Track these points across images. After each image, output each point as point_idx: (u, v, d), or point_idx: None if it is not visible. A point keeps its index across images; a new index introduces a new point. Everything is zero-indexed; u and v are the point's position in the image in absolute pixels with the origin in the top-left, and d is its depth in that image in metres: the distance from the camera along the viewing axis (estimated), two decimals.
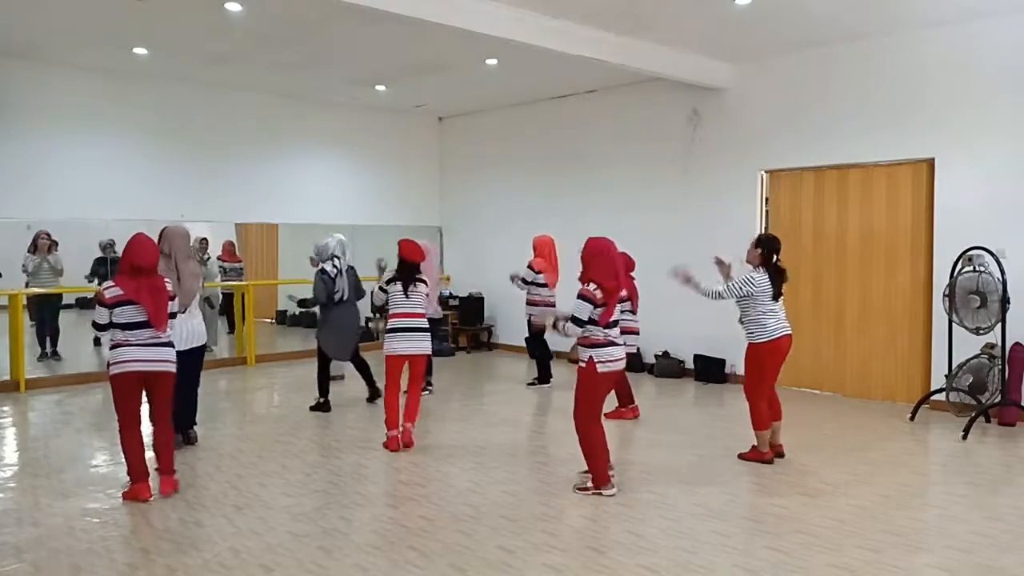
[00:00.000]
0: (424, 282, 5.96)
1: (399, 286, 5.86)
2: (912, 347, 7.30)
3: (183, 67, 8.77)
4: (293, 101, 10.36)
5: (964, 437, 6.05)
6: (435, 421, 6.71)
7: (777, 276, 5.31)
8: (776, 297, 5.30)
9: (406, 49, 7.91)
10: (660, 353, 8.89)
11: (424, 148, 11.86)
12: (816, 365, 7.85)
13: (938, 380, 6.87)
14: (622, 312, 4.94)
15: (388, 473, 5.34)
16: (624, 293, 4.82)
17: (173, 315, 4.90)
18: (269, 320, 13.16)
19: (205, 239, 10.15)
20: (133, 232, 4.82)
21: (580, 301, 4.60)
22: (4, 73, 8.27)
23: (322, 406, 7.10)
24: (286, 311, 13.21)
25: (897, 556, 3.85)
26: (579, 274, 4.75)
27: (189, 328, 5.56)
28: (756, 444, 5.44)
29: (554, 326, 4.75)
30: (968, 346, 6.50)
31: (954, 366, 6.52)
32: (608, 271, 4.62)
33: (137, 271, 4.62)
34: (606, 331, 4.65)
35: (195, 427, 6.01)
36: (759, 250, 5.37)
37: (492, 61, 8.37)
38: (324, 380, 7.17)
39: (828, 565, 3.74)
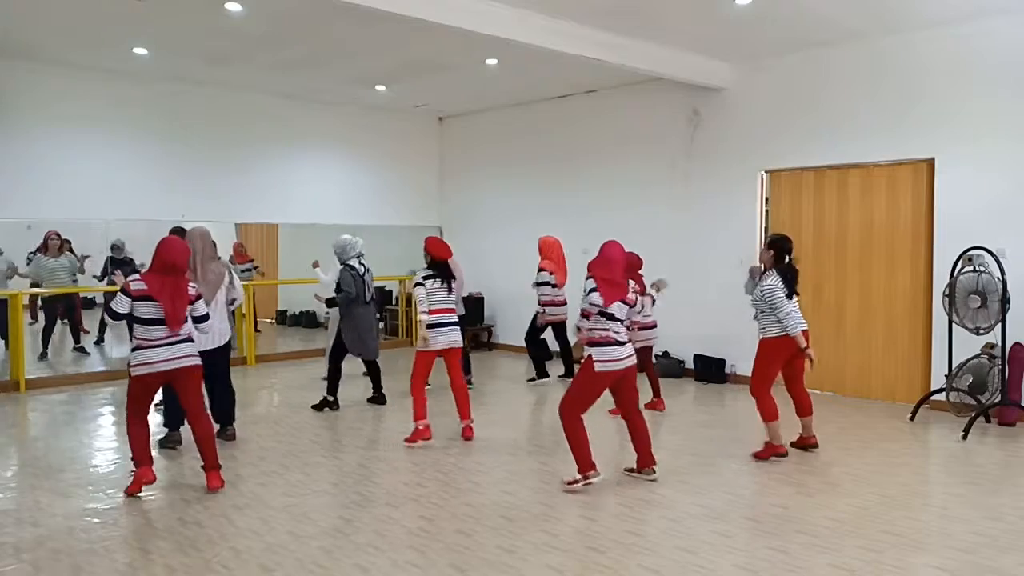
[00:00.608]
0: (454, 278, 6.01)
1: (438, 282, 5.90)
2: (912, 347, 7.30)
3: (183, 67, 8.76)
4: (293, 101, 10.36)
5: (964, 437, 6.05)
6: (435, 420, 6.70)
7: (789, 275, 5.42)
8: (790, 296, 5.38)
9: (406, 49, 7.91)
10: (660, 353, 8.88)
11: (424, 148, 11.86)
12: (816, 365, 7.81)
13: (938, 380, 6.87)
14: (634, 310, 5.02)
15: (388, 473, 5.34)
16: (632, 296, 4.89)
17: (205, 317, 4.96)
18: (269, 320, 13.18)
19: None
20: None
21: (587, 284, 4.86)
22: (4, 73, 8.27)
23: (331, 404, 7.12)
24: (286, 311, 13.23)
25: (897, 556, 3.85)
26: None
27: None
28: (768, 439, 5.44)
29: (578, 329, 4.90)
30: (968, 346, 6.50)
31: (954, 366, 6.52)
32: (610, 271, 4.81)
33: (170, 269, 4.68)
34: (608, 323, 4.73)
35: (233, 424, 6.12)
36: (771, 251, 5.53)
37: (492, 61, 8.37)
38: (335, 380, 7.18)
39: (828, 565, 3.75)
